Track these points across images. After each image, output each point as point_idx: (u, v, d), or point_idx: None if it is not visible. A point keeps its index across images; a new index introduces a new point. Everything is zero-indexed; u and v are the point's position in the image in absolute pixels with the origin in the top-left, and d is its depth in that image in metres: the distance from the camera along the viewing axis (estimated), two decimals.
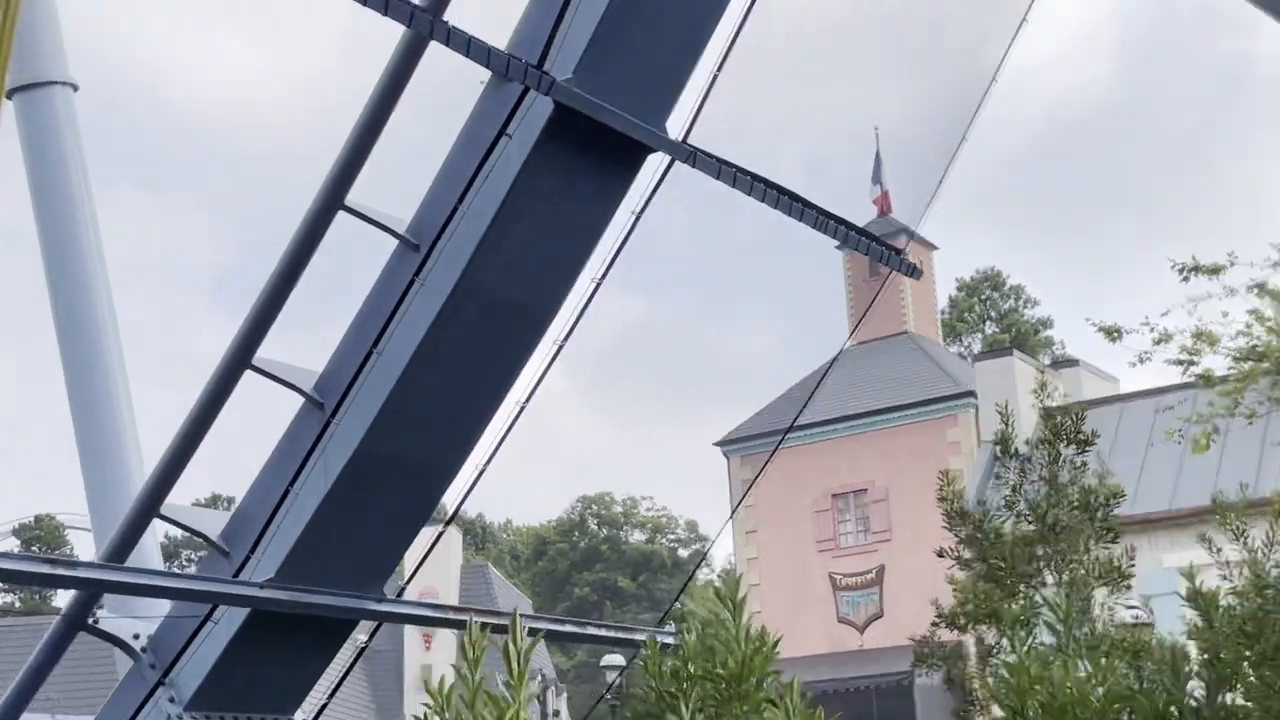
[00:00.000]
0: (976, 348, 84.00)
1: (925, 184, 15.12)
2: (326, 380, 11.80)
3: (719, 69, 12.19)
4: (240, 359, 11.65)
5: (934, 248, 49.75)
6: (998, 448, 10.78)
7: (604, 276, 12.36)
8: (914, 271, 14.80)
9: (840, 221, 13.64)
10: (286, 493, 11.52)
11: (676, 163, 12.03)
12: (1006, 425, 10.48)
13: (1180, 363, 15.90)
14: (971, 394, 42.71)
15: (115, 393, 21.50)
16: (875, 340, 47.63)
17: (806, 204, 13.03)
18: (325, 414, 11.63)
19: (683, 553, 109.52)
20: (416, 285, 11.22)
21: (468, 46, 10.20)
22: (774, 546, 45.05)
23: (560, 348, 12.40)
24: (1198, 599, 8.81)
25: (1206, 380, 16.09)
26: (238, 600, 11.38)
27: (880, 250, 14.04)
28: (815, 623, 43.97)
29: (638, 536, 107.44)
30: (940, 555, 10.52)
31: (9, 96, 18.85)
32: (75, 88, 22.20)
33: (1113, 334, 16.06)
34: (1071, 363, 35.09)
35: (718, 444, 48.61)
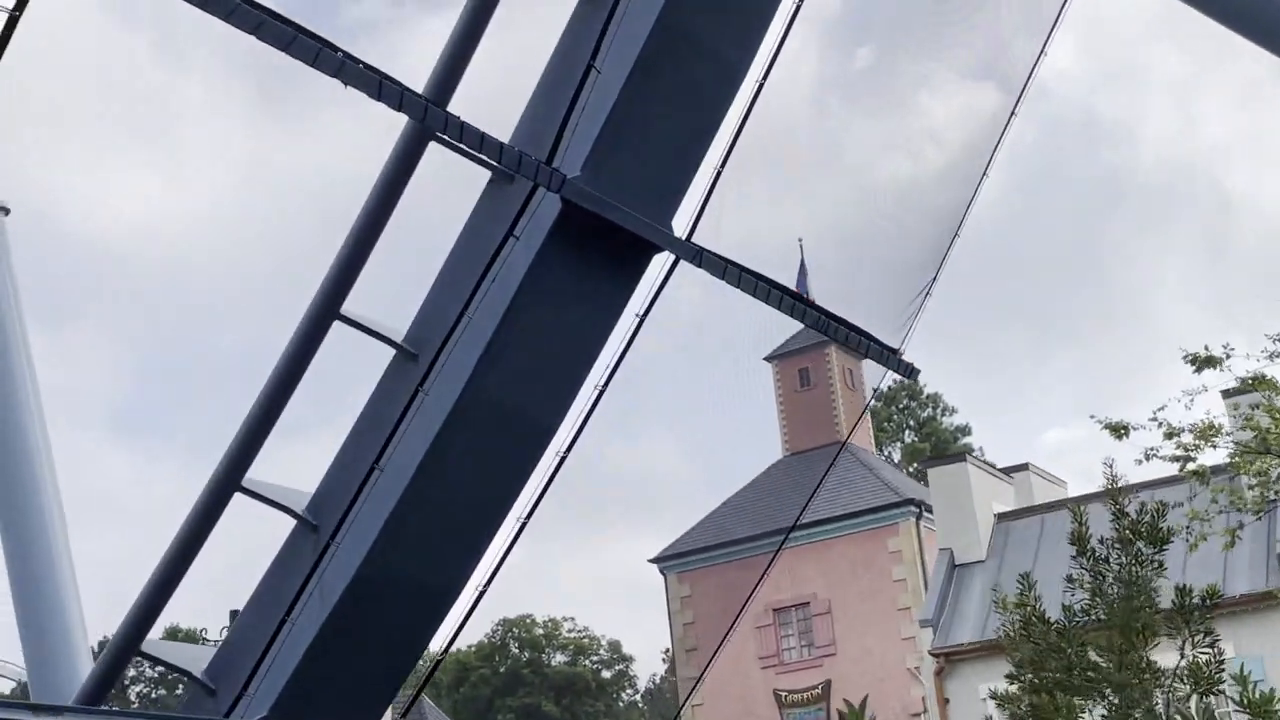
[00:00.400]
0: (897, 457, 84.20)
1: (912, 284, 14.78)
2: (321, 500, 11.10)
3: (722, 166, 11.82)
4: (229, 481, 10.92)
5: (864, 356, 49.53)
6: (1074, 548, 10.26)
7: (607, 382, 11.81)
8: (911, 372, 14.42)
9: (840, 321, 13.30)
10: (282, 623, 10.71)
11: (681, 262, 11.61)
12: (1080, 524, 9.98)
13: (1177, 459, 15.74)
14: (911, 502, 42.41)
15: (51, 529, 20.43)
16: (809, 450, 47.32)
17: (809, 304, 12.72)
18: (321, 536, 10.91)
19: (606, 674, 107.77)
20: (420, 397, 10.60)
21: (480, 142, 9.73)
22: (716, 664, 44.12)
23: (563, 459, 11.80)
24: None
25: (1200, 477, 15.90)
26: None
27: (879, 350, 13.67)
28: None
29: (560, 659, 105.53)
30: (1018, 667, 9.83)
31: None
32: (6, 211, 21.32)
33: (1119, 431, 15.84)
34: (1021, 467, 35.02)
35: (653, 560, 47.77)
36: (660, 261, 11.67)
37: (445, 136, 10.54)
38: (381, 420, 10.91)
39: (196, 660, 11.46)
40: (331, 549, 10.69)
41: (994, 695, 10.01)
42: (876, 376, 14.34)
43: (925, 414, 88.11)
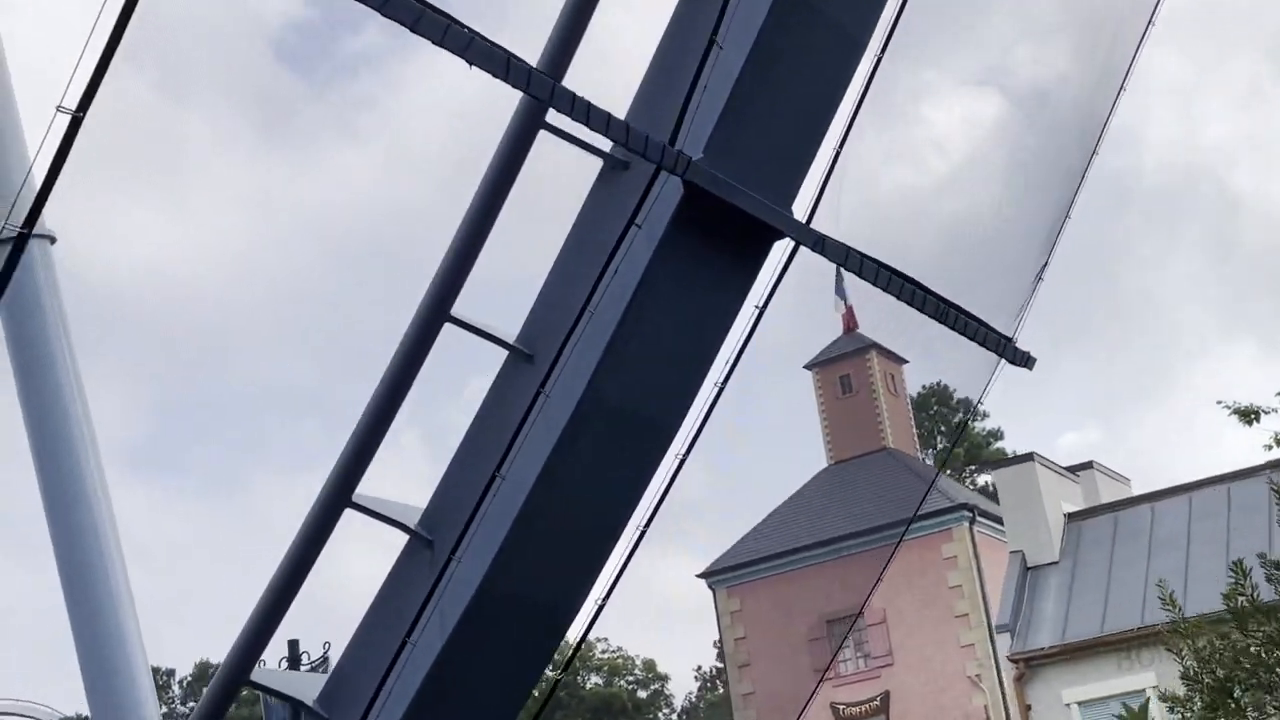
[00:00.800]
0: (929, 463, 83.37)
1: (1020, 272, 14.13)
2: (435, 514, 10.47)
3: (841, 146, 11.18)
4: (339, 496, 10.31)
5: (904, 361, 49.03)
6: None
7: (727, 379, 11.16)
8: (1028, 361, 13.74)
9: (960, 311, 12.64)
10: (401, 646, 10.06)
11: (802, 249, 10.97)
12: None
13: None
14: (965, 507, 41.64)
15: (109, 560, 19.83)
16: (855, 458, 46.59)
17: (929, 293, 12.06)
18: (437, 553, 10.28)
19: (642, 694, 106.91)
20: (541, 400, 9.95)
21: (607, 124, 9.10)
22: (770, 680, 43.36)
23: (682, 462, 11.15)
24: None
25: None
26: None
27: (996, 339, 13.01)
28: None
29: (595, 680, 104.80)
30: (1200, 663, 9.10)
31: None
32: (53, 240, 20.70)
33: (1249, 416, 15.13)
34: (1085, 465, 34.30)
35: (701, 575, 47.02)
36: (780, 248, 11.09)
37: (557, 127, 10.01)
38: (497, 428, 10.29)
39: (307, 688, 10.83)
40: (451, 565, 10.05)
41: (1164, 697, 9.30)
42: (986, 369, 13.63)
43: (957, 419, 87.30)
